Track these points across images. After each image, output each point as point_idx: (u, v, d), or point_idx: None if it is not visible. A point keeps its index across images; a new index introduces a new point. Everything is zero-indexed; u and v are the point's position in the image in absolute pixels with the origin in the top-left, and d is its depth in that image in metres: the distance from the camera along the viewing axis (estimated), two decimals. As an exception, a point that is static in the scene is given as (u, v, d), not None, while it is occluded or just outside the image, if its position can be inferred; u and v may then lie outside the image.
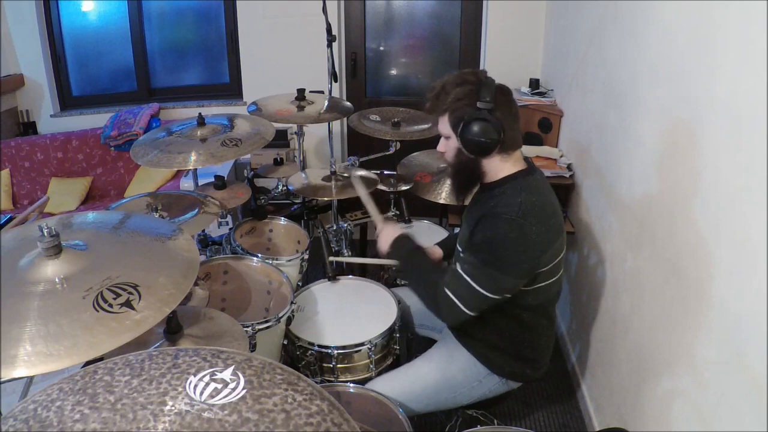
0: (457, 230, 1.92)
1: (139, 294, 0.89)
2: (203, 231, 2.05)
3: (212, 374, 0.60)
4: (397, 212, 2.42)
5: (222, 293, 1.81)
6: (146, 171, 3.25)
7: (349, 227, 2.36)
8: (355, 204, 2.47)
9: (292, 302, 1.63)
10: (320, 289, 1.86)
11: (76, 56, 3.63)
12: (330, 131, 2.37)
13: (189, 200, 1.79)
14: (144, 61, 3.64)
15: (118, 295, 0.88)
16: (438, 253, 1.74)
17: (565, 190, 2.46)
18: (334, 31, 2.19)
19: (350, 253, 2.34)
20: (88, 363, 0.68)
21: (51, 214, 2.90)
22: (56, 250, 0.93)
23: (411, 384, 1.51)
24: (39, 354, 0.77)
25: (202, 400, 0.57)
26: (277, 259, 1.85)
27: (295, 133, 2.45)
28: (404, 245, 1.54)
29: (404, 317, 1.75)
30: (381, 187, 2.26)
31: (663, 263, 1.47)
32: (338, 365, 1.58)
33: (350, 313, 1.73)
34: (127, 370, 0.61)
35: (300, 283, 1.96)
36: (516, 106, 1.39)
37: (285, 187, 2.26)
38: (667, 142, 1.49)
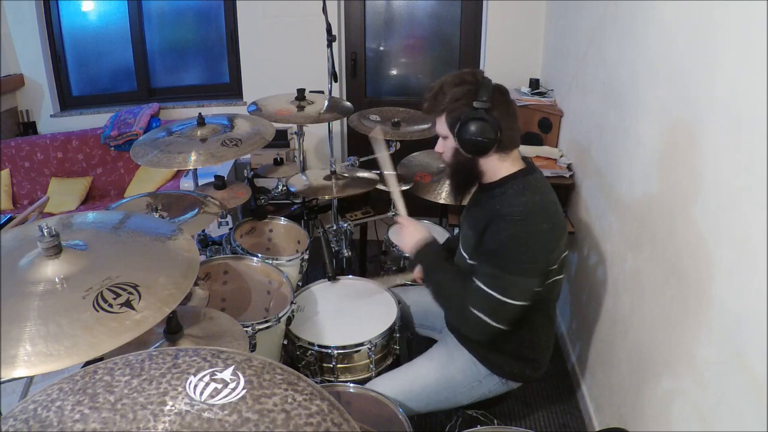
0: (456, 230, 1.92)
1: (139, 294, 0.89)
2: (203, 231, 2.05)
3: (212, 374, 0.60)
4: (397, 212, 2.42)
5: (222, 293, 1.81)
6: (146, 171, 3.25)
7: (349, 227, 2.36)
8: (355, 204, 2.48)
9: (292, 302, 1.63)
10: (320, 289, 1.86)
11: (76, 56, 3.63)
12: (330, 131, 2.37)
13: (189, 200, 1.79)
14: (144, 61, 3.64)
15: (118, 295, 0.88)
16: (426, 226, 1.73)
17: (565, 190, 2.46)
18: (334, 31, 2.19)
19: (350, 253, 2.34)
20: (88, 363, 0.68)
21: (51, 214, 2.90)
22: (56, 250, 0.93)
23: (411, 384, 1.51)
24: (39, 354, 0.77)
25: (202, 400, 0.57)
26: (277, 259, 1.85)
27: (295, 133, 2.45)
28: (429, 253, 1.48)
29: (404, 317, 1.75)
30: (381, 186, 2.26)
31: (663, 263, 1.47)
32: (338, 365, 1.58)
33: (350, 313, 1.73)
34: (127, 370, 0.61)
35: (300, 283, 1.96)
36: (514, 105, 1.40)
37: (285, 187, 2.26)
38: (667, 142, 1.49)
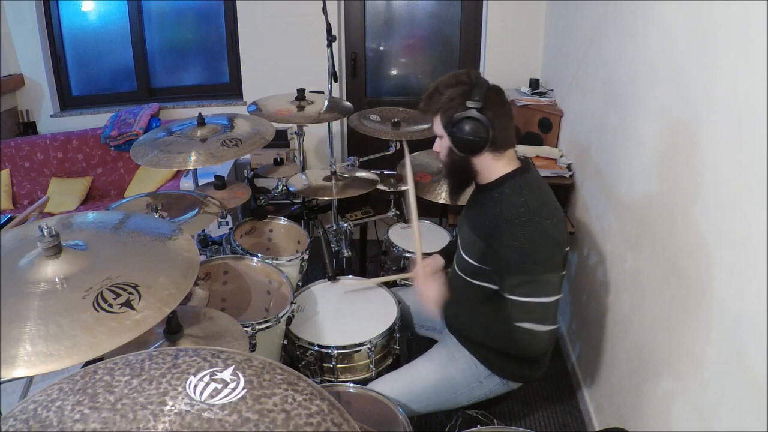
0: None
1: (139, 294, 0.89)
2: (203, 231, 2.05)
3: (212, 374, 0.60)
4: (398, 212, 2.43)
5: (222, 293, 1.81)
6: (146, 171, 3.25)
7: (349, 227, 2.36)
8: (355, 204, 2.48)
9: (292, 302, 1.63)
10: (320, 289, 1.86)
11: (76, 56, 3.63)
12: (330, 131, 2.37)
13: (189, 200, 1.79)
14: (144, 61, 3.64)
15: (118, 295, 0.88)
16: (439, 262, 1.73)
17: (565, 190, 2.46)
18: (334, 31, 2.19)
19: (350, 253, 2.34)
20: (88, 363, 0.68)
21: (51, 214, 2.90)
22: (56, 250, 0.93)
23: (411, 384, 1.51)
24: (39, 354, 0.77)
25: (202, 400, 0.57)
26: (277, 259, 1.85)
27: (295, 133, 2.45)
28: (452, 302, 1.47)
29: (404, 317, 1.75)
30: (381, 187, 2.26)
31: (663, 263, 1.47)
32: (338, 365, 1.58)
33: (350, 313, 1.73)
34: (127, 370, 0.61)
35: (300, 283, 1.96)
36: (509, 105, 1.40)
37: (285, 187, 2.26)
38: (667, 142, 1.49)
